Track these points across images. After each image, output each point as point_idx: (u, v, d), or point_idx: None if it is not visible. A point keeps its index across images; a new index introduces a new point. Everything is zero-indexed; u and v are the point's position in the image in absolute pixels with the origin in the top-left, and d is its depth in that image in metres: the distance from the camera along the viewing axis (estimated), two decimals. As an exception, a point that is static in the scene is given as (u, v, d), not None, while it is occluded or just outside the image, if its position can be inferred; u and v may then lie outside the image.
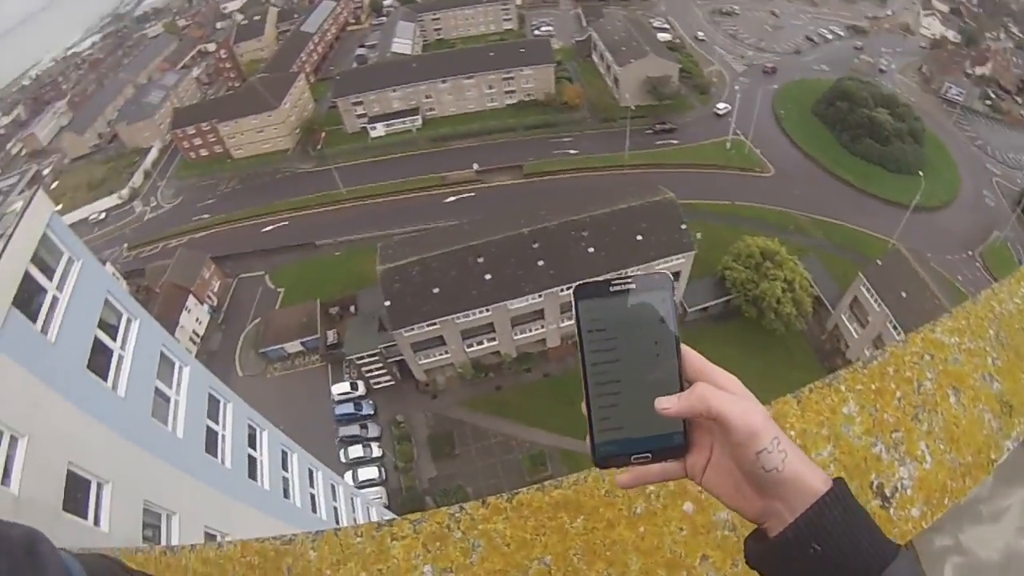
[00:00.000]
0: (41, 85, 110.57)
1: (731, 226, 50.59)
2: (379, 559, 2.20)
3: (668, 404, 0.69)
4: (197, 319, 50.72)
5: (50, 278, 10.60)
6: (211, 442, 14.15)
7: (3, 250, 9.44)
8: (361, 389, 44.00)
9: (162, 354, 13.49)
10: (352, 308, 48.26)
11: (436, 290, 38.00)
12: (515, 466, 37.97)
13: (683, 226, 39.12)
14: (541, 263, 38.11)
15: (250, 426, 16.09)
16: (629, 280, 0.76)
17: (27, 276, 9.95)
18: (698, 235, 42.12)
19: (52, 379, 9.70)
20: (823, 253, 49.50)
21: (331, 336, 46.63)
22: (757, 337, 42.33)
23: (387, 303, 37.91)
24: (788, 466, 0.67)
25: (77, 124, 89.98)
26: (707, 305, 44.69)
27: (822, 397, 2.15)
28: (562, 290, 37.84)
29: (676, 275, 39.70)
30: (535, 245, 38.42)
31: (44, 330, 9.99)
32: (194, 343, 48.59)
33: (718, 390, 0.70)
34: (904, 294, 37.28)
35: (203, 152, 73.81)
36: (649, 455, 0.73)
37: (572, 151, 62.54)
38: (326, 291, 50.28)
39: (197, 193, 71.00)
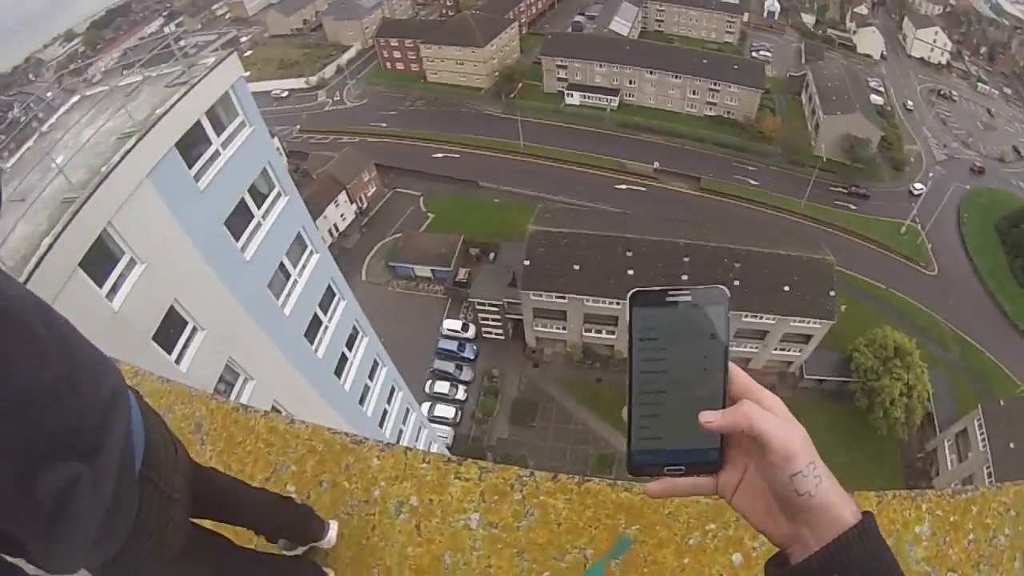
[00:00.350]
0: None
1: (876, 310, 48.21)
2: (435, 490, 2.29)
3: (712, 417, 0.69)
4: (342, 215, 54.57)
5: (218, 134, 11.44)
6: (312, 329, 14.97)
7: (183, 96, 10.34)
8: (470, 332, 45.40)
9: (298, 235, 14.23)
10: (492, 255, 49.26)
11: (576, 267, 38.47)
12: (583, 458, 37.86)
13: (831, 293, 38.18)
14: (685, 277, 37.48)
15: (354, 327, 16.86)
16: (686, 291, 0.73)
17: (198, 125, 10.69)
18: (843, 308, 40.52)
19: (188, 222, 10.50)
20: (953, 372, 45.28)
21: (462, 274, 47.58)
22: (856, 429, 39.84)
23: (527, 262, 38.85)
24: (821, 492, 0.67)
25: (286, 6, 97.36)
26: (824, 379, 42.58)
27: (902, 507, 2.13)
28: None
29: (807, 339, 39.53)
30: (685, 259, 38.12)
31: (196, 177, 10.79)
32: (331, 236, 51.98)
33: (763, 410, 0.70)
34: (1012, 444, 34.71)
35: (399, 66, 77.78)
36: (683, 468, 0.73)
37: (752, 181, 60.73)
38: (472, 231, 51.37)
39: (382, 101, 74.99)
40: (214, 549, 1.79)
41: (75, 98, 12.35)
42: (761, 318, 37.60)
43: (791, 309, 37.69)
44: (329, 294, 15.88)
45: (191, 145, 10.82)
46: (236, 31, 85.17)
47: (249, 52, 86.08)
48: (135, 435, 1.42)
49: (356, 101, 75.89)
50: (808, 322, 38.32)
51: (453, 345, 43.91)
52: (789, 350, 40.81)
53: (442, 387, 41.46)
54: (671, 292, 0.73)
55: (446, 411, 40.05)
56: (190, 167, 10.73)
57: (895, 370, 38.87)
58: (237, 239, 12.13)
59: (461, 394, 41.56)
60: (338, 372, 16.22)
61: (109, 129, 10.08)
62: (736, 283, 37.18)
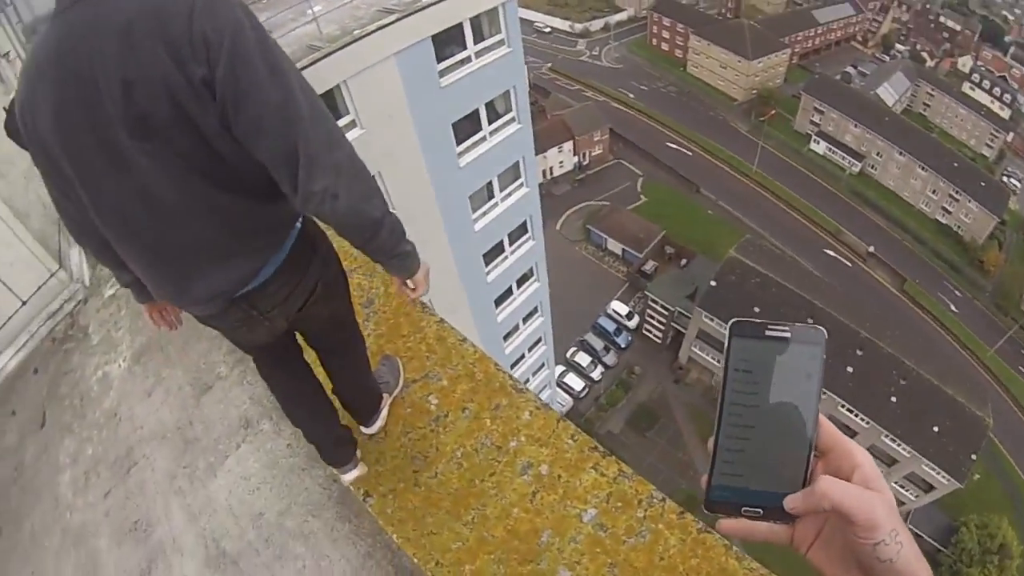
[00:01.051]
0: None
1: (1007, 495, 43.19)
2: (569, 469, 2.30)
3: (794, 504, 0.68)
4: (561, 163, 56.82)
5: (476, 42, 12.03)
6: (492, 253, 15.33)
7: None
8: (632, 323, 46.02)
9: (516, 163, 14.56)
10: (683, 261, 48.98)
11: (756, 309, 37.97)
12: (670, 489, 36.73)
13: (973, 456, 35.81)
14: (850, 370, 36.65)
15: (531, 269, 17.17)
16: (786, 328, 0.69)
17: (459, 27, 11.30)
18: (976, 476, 37.96)
19: (418, 109, 11.24)
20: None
21: (649, 265, 48.47)
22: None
23: (713, 283, 39.55)
24: (902, 558, 0.65)
25: None
26: (924, 536, 39.53)
27: None
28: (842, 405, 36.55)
29: (929, 488, 37.27)
30: (859, 352, 37.47)
31: (441, 73, 11.28)
32: (543, 177, 53.28)
33: (842, 484, 0.67)
34: None
35: (664, 47, 76.72)
36: (760, 511, 0.70)
37: (953, 308, 54.96)
38: (675, 230, 51.88)
39: (636, 73, 74.74)
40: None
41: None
42: (899, 445, 35.96)
43: (931, 452, 35.98)
44: (521, 229, 16.36)
45: (447, 42, 11.66)
46: None
47: None
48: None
49: (612, 63, 76.10)
50: (939, 473, 36.22)
51: (611, 327, 44.70)
52: (907, 490, 38.39)
53: (583, 360, 42.30)
54: (771, 326, 0.71)
55: (575, 383, 40.82)
56: (438, 61, 11.51)
57: (989, 566, 36.79)
58: (458, 143, 12.80)
59: (597, 374, 42.16)
60: (498, 302, 16.76)
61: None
62: (893, 399, 36.60)
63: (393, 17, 10.46)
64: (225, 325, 1.91)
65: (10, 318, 5.98)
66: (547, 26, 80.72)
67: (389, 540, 2.76)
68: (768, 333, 0.70)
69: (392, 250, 1.70)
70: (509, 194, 15.44)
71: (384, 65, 10.59)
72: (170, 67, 1.27)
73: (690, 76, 73.59)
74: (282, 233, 1.71)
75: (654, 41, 77.87)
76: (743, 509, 0.70)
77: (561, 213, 53.39)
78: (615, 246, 50.46)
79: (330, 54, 9.64)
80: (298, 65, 9.15)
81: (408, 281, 1.83)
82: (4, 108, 1.86)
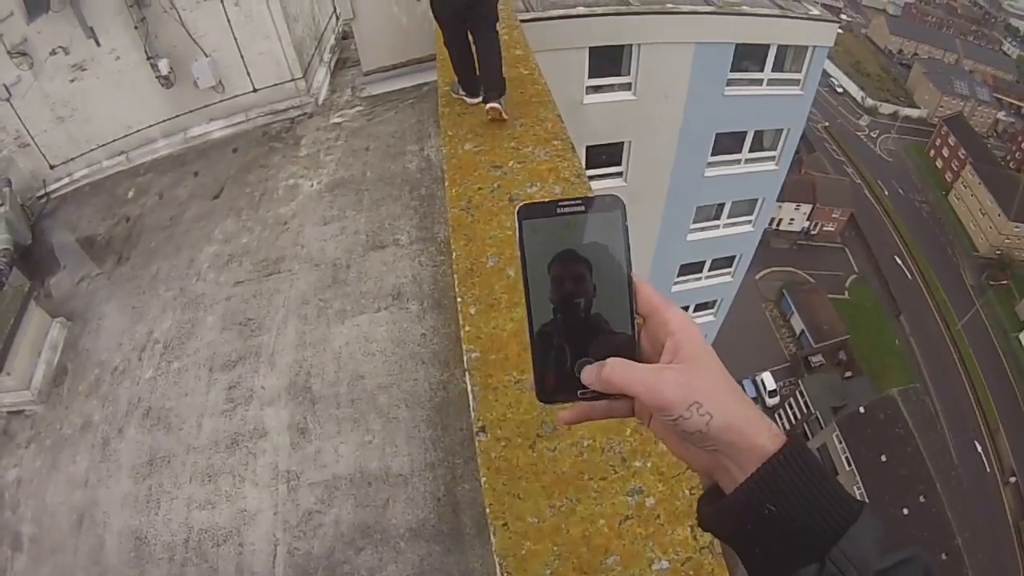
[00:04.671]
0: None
1: None
2: (673, 519, 2.38)
3: (588, 379, 0.72)
4: (791, 220, 58.79)
5: (773, 70, 13.12)
6: (689, 268, 17.45)
7: (776, 16, 12.03)
8: (771, 400, 47.91)
9: (755, 200, 15.89)
10: (847, 373, 50.05)
11: (883, 457, 38.72)
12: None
13: None
14: None
15: (715, 302, 19.21)
16: (578, 202, 0.71)
17: (765, 48, 12.52)
18: None
19: (692, 104, 12.84)
20: None
21: (816, 359, 50.82)
22: None
23: (861, 409, 41.02)
24: (714, 427, 0.66)
25: (896, 23, 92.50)
26: None
27: None
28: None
29: None
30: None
31: (729, 82, 12.35)
32: (769, 225, 54.34)
33: (626, 366, 0.70)
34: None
35: (938, 162, 74.14)
36: (594, 392, 0.72)
37: None
38: (858, 340, 52.50)
39: (901, 174, 73.42)
40: None
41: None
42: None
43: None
44: (726, 261, 17.44)
45: (747, 56, 12.26)
46: (843, 4, 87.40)
47: (839, 31, 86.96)
48: None
49: (884, 153, 75.02)
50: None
51: (751, 393, 46.71)
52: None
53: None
54: (562, 203, 0.72)
55: None
56: (732, 70, 12.14)
57: None
58: (712, 154, 13.42)
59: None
60: (681, 273, 17.46)
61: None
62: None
63: (710, 8, 11.10)
64: None
65: (235, 97, 6.97)
66: (841, 87, 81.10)
67: (462, 471, 3.04)
68: (560, 211, 0.72)
69: None
70: (733, 224, 16.05)
71: (682, 49, 11.25)
72: None
73: (948, 204, 70.56)
74: None
75: (931, 152, 74.98)
76: (579, 392, 0.73)
77: (766, 266, 54.55)
78: (797, 323, 51.89)
79: (638, 14, 10.39)
80: (602, 11, 10.15)
81: None
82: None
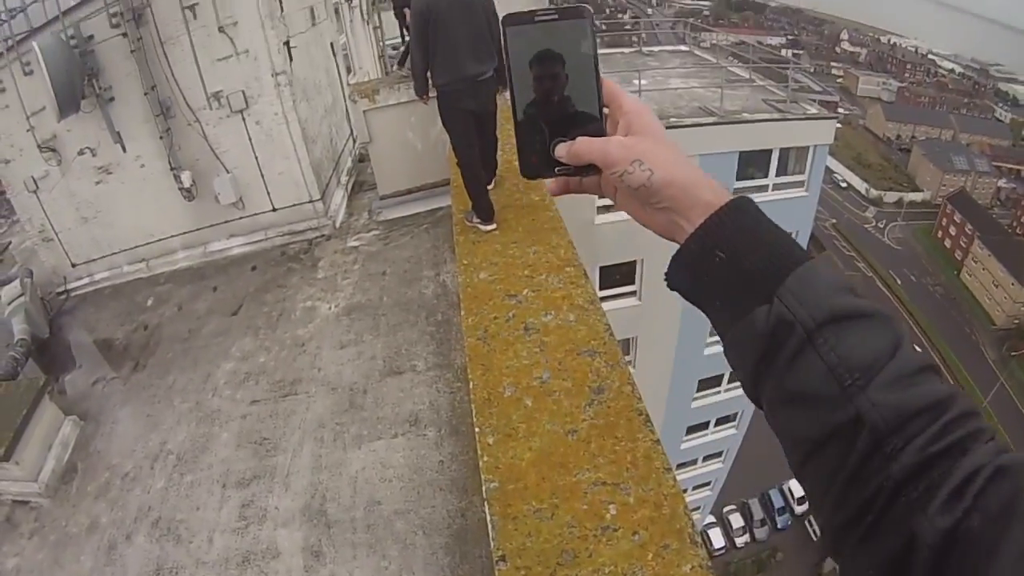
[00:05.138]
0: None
1: None
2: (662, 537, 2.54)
3: (559, 153, 0.84)
4: None
5: (778, 174, 13.59)
6: (709, 382, 17.55)
7: (775, 120, 12.57)
8: (799, 508, 45.66)
9: None
10: None
11: None
12: None
13: None
14: None
15: (736, 413, 19.68)
16: (552, 11, 0.83)
17: (767, 154, 13.03)
18: None
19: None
20: None
21: None
22: None
23: None
24: (656, 180, 0.76)
25: (893, 110, 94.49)
26: None
27: None
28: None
29: None
30: None
31: (735, 192, 13.02)
32: None
33: (590, 141, 0.81)
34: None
35: (946, 242, 75.17)
36: (570, 168, 0.85)
37: None
38: None
39: (912, 261, 74.38)
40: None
41: (682, 47, 15.50)
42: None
43: None
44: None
45: (750, 163, 12.88)
46: (839, 99, 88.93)
47: (838, 125, 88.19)
48: None
49: (893, 242, 76.02)
50: None
51: (779, 503, 45.68)
52: None
53: (736, 521, 43.15)
54: (539, 13, 0.84)
55: (717, 540, 40.99)
56: (737, 179, 12.78)
57: None
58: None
59: (741, 541, 42.81)
60: (689, 430, 17.98)
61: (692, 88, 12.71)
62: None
63: (711, 120, 11.67)
64: (471, 89, 4.91)
65: (255, 215, 7.35)
66: (845, 181, 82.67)
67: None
68: (538, 19, 0.86)
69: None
70: None
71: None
72: (487, 7, 4.93)
73: (960, 282, 70.88)
74: (494, 58, 4.98)
75: (939, 233, 75.59)
76: (556, 169, 0.88)
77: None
78: None
79: None
80: None
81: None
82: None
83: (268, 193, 7.33)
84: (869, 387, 0.62)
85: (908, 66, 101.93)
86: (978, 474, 0.58)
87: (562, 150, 0.85)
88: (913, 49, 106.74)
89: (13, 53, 7.09)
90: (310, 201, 7.30)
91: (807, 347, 0.66)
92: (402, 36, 15.77)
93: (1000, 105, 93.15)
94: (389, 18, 14.91)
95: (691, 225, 0.76)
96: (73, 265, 8.09)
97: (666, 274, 0.81)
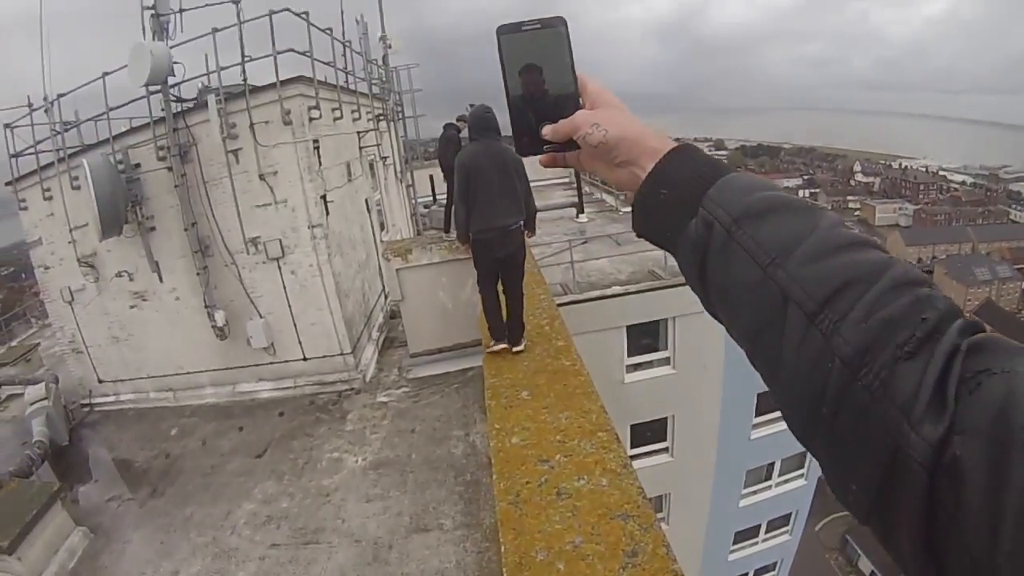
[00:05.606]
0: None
1: None
2: None
3: (545, 133, 1.00)
4: None
5: None
6: (744, 535, 17.31)
7: None
8: None
9: (805, 451, 16.82)
10: None
11: None
12: None
13: None
14: None
15: (776, 563, 19.01)
16: (536, 22, 1.02)
17: None
18: None
19: (731, 365, 13.06)
20: None
21: None
22: None
23: None
24: (612, 137, 0.90)
25: (910, 235, 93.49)
26: None
27: None
28: None
29: None
30: None
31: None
32: None
33: (565, 121, 0.97)
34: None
35: None
36: (556, 145, 1.01)
37: None
38: None
39: None
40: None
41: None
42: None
43: None
44: (783, 520, 17.41)
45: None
46: (858, 230, 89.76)
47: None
48: None
49: None
50: None
51: None
52: None
53: None
54: (525, 23, 1.02)
55: None
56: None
57: None
58: (756, 415, 14.22)
59: None
60: (736, 540, 17.07)
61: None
62: None
63: None
64: (500, 238, 5.60)
65: (286, 362, 7.61)
66: None
67: None
68: (524, 28, 1.05)
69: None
70: (785, 481, 16.10)
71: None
72: (517, 161, 5.64)
73: None
74: (522, 211, 5.71)
75: None
76: (544, 147, 1.04)
77: (826, 514, 50.99)
78: (865, 565, 48.64)
79: (671, 287, 11.38)
80: (635, 288, 11.45)
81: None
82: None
83: (300, 342, 7.63)
84: (787, 263, 0.65)
85: (921, 187, 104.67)
86: (952, 364, 0.54)
87: (547, 131, 1.01)
88: (924, 169, 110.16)
89: (63, 165, 7.66)
90: (341, 354, 7.59)
91: (729, 242, 0.72)
92: (433, 195, 16.70)
93: (1014, 206, 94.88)
94: (421, 176, 15.87)
95: (644, 172, 0.87)
96: (100, 381, 8.29)
97: (633, 225, 0.93)
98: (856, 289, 0.60)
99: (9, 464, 6.42)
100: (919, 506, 0.52)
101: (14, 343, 12.58)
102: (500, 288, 5.84)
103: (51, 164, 7.80)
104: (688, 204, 0.79)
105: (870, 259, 0.63)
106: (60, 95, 7.80)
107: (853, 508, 0.60)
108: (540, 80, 1.04)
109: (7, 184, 8.30)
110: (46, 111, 7.81)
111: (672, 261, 10.06)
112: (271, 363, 7.70)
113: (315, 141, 7.30)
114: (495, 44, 1.05)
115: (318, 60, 7.95)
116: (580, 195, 17.55)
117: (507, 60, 1.04)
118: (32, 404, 7.39)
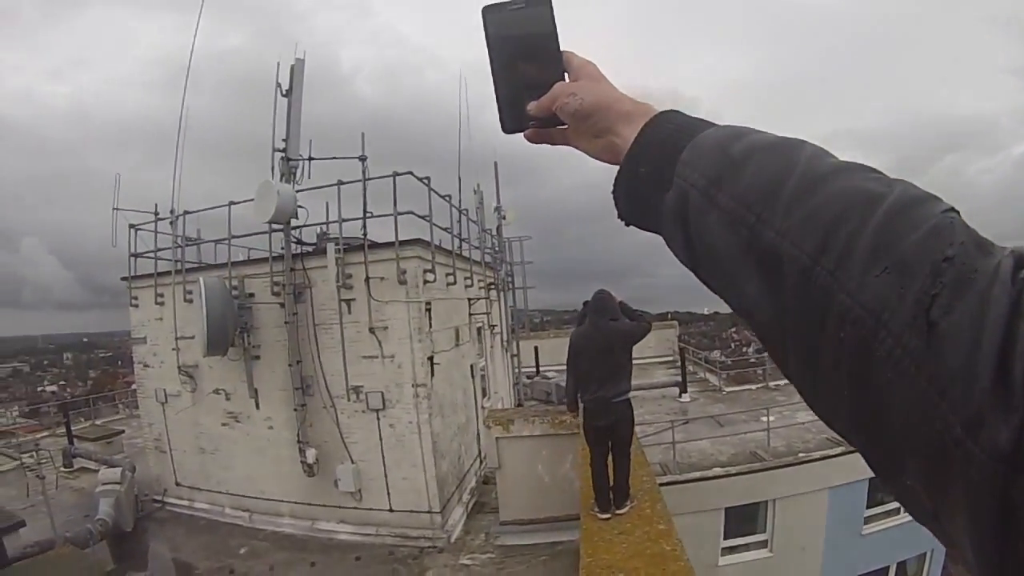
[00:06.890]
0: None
1: None
2: None
3: (530, 109, 0.95)
4: None
5: None
6: None
7: None
8: None
9: None
10: None
11: None
12: None
13: None
14: None
15: None
16: (520, 2, 1.00)
17: None
18: None
19: (831, 549, 12.38)
20: None
21: None
22: None
23: None
24: (587, 105, 0.88)
25: None
26: None
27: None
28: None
29: None
30: None
31: (866, 520, 13.35)
32: None
33: (549, 96, 0.94)
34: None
35: None
36: (540, 120, 0.99)
37: None
38: None
39: None
40: None
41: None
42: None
43: None
44: None
45: (878, 488, 12.15)
46: None
47: None
48: None
49: None
50: None
51: None
52: None
53: None
54: (511, 3, 1.00)
55: None
56: (867, 507, 12.41)
57: None
58: None
59: None
60: None
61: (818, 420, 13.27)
62: None
63: (839, 450, 11.61)
64: (602, 408, 6.24)
65: (370, 509, 7.58)
66: None
67: None
68: (510, 8, 1.03)
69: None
70: None
71: (816, 496, 11.47)
72: (625, 344, 6.30)
73: None
74: (629, 382, 6.29)
75: None
76: (529, 123, 1.01)
77: None
78: None
79: (772, 468, 10.85)
80: (736, 470, 11.03)
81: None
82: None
83: (388, 493, 7.60)
84: (773, 217, 0.57)
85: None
86: (1017, 323, 0.40)
87: (532, 107, 0.99)
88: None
89: (180, 277, 7.91)
90: (429, 511, 7.51)
91: (709, 209, 0.64)
92: (536, 366, 16.92)
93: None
94: (527, 347, 16.07)
95: (622, 140, 0.82)
96: (177, 483, 8.48)
97: (617, 212, 0.85)
98: (849, 224, 0.51)
99: (67, 530, 6.62)
100: (987, 509, 0.40)
101: (99, 422, 13.08)
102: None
103: (168, 272, 8.07)
104: (665, 178, 0.72)
105: (863, 186, 0.53)
106: (186, 212, 8.13)
107: (908, 508, 0.49)
108: (525, 57, 1.04)
109: (123, 279, 8.75)
110: (171, 223, 8.14)
111: (776, 443, 9.66)
112: (355, 508, 7.69)
113: (427, 303, 7.42)
114: (481, 24, 1.04)
115: (436, 225, 8.17)
116: (684, 374, 17.64)
117: (492, 38, 1.04)
118: (104, 484, 7.60)
